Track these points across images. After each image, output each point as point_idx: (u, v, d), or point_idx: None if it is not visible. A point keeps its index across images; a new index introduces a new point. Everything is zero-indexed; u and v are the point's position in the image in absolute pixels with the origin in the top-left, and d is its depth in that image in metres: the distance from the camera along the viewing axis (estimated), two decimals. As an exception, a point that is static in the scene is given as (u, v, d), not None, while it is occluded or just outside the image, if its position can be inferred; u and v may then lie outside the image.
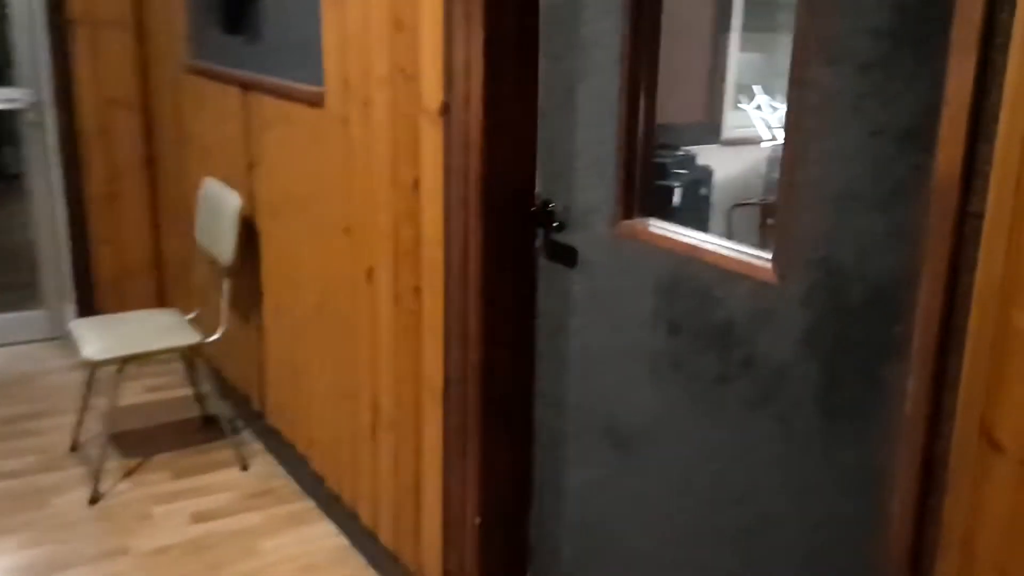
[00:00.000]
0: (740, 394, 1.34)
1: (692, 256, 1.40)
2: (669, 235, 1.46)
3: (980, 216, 0.88)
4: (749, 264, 1.31)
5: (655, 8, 1.47)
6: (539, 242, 1.74)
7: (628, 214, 1.54)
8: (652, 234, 1.49)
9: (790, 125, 1.20)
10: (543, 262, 1.75)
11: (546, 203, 1.71)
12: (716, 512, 1.41)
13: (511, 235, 1.76)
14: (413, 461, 2.05)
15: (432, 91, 1.74)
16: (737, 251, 1.34)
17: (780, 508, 1.29)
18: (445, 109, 1.72)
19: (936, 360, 0.94)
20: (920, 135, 1.03)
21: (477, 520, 1.88)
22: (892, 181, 1.07)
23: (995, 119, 0.85)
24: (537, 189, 1.73)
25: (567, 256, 1.68)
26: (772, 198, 4.08)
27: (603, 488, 1.67)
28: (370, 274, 2.11)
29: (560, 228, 1.68)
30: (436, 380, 1.91)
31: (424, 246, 1.87)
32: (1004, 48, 0.84)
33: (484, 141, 1.67)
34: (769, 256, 1.28)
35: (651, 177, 1.56)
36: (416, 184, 1.86)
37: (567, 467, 1.76)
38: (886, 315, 1.10)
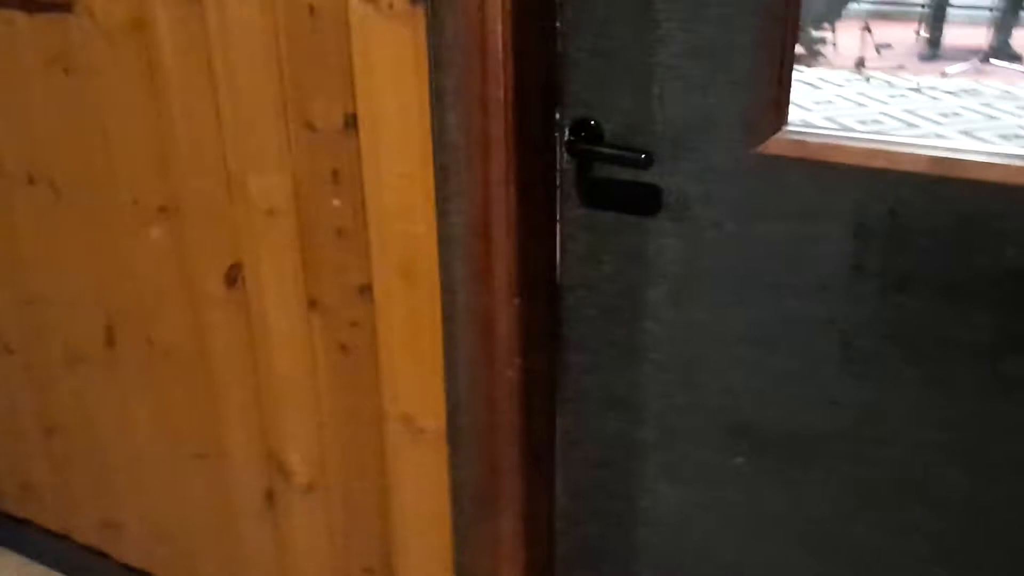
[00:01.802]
0: (1044, 362, 0.93)
1: (940, 175, 0.93)
2: (881, 147, 0.96)
3: None
4: (1083, 175, 0.87)
5: None
6: (566, 182, 1.13)
7: (779, 121, 1.01)
8: (843, 148, 0.98)
9: None
10: (579, 212, 1.15)
11: (584, 123, 1.10)
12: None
13: (543, 182, 1.13)
14: (373, 532, 1.38)
15: (384, -41, 1.01)
16: (1051, 158, 0.89)
17: None
18: (425, -10, 1.00)
19: None
20: None
21: (522, 593, 1.31)
22: None
23: None
24: (564, 104, 1.10)
25: (638, 200, 1.11)
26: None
27: (727, 515, 1.19)
28: (233, 277, 1.32)
29: (612, 159, 1.09)
30: (422, 414, 1.25)
31: (379, 221, 1.16)
32: None
33: (514, 39, 1.00)
34: None
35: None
36: (351, 123, 1.12)
37: (657, 487, 1.25)
38: None
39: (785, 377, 1.10)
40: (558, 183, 1.14)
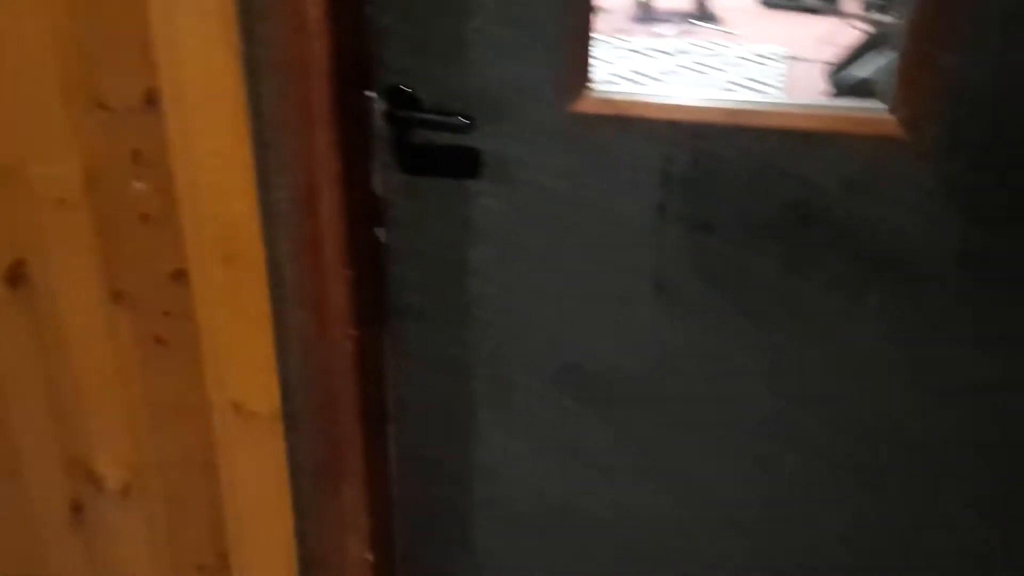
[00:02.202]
0: (830, 280, 1.08)
1: (735, 124, 1.05)
2: (681, 102, 1.06)
3: None
4: (849, 119, 1.02)
5: None
6: (384, 150, 1.14)
7: (583, 81, 1.08)
8: (646, 104, 1.07)
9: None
10: (400, 179, 1.17)
11: (399, 91, 1.11)
12: (794, 446, 1.17)
13: (363, 152, 1.12)
14: (205, 528, 1.33)
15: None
16: (822, 105, 1.03)
17: (920, 410, 1.12)
18: (236, -47, 0.95)
19: None
20: None
21: (369, 557, 1.32)
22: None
23: None
24: (377, 71, 1.11)
25: (458, 164, 1.14)
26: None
27: (569, 461, 1.28)
28: (15, 276, 1.20)
29: (432, 125, 1.12)
30: (253, 398, 1.21)
31: (193, 203, 1.10)
32: None
33: (331, 5, 0.98)
34: (884, 106, 1.01)
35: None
36: (153, 99, 1.05)
37: (492, 441, 1.31)
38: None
39: (607, 322, 1.19)
40: (376, 152, 1.14)
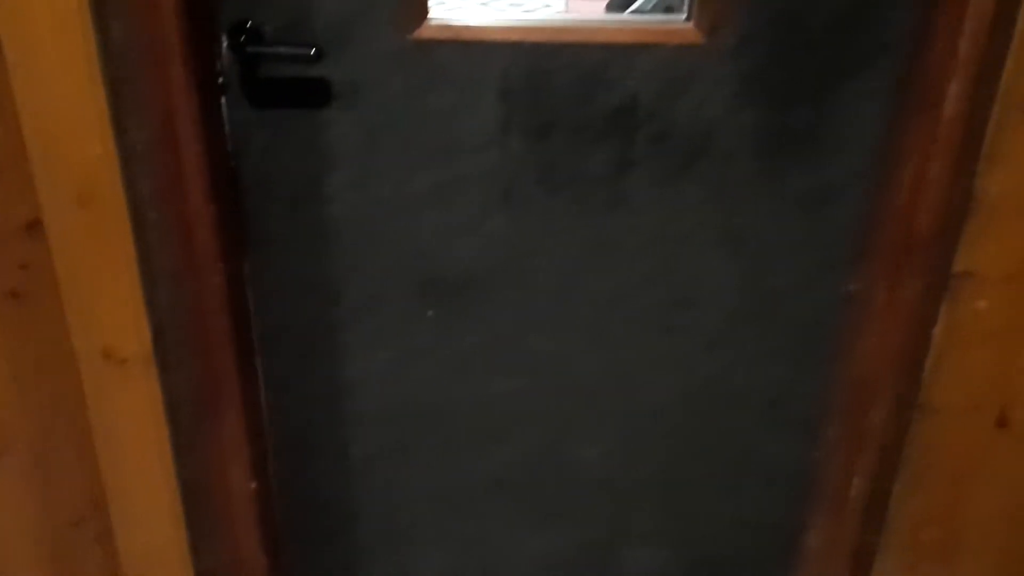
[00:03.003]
0: (651, 172, 1.25)
1: (562, 41, 1.17)
2: (515, 23, 1.17)
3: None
4: (657, 31, 1.16)
5: None
6: (232, 85, 1.18)
7: (423, 9, 1.16)
8: (482, 28, 1.17)
9: None
10: (250, 113, 1.21)
11: (242, 25, 1.15)
12: (641, 318, 1.34)
13: (213, 87, 1.15)
14: (78, 480, 1.33)
15: None
16: (635, 21, 1.17)
17: (729, 268, 1.31)
18: None
19: (981, 47, 1.06)
20: None
21: (252, 485, 1.38)
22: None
23: None
24: (220, 6, 1.13)
25: (308, 95, 1.20)
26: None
27: (438, 357, 1.39)
28: None
29: (280, 58, 1.17)
30: (123, 344, 1.22)
31: (44, 148, 1.08)
32: None
33: (175, -61, 1.00)
34: (682, 16, 1.16)
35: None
36: (-10, 45, 1.02)
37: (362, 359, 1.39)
38: (847, 37, 1.15)
39: (461, 230, 1.29)
40: (226, 87, 1.17)
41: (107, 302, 1.19)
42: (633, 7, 4.09)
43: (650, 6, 4.06)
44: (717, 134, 1.21)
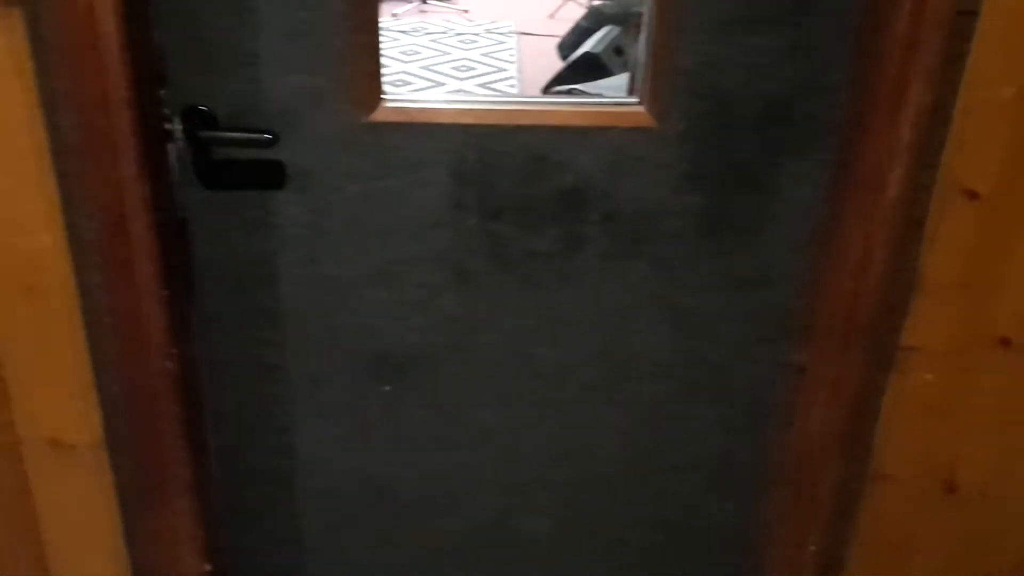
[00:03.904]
0: (600, 250, 1.26)
1: (514, 124, 1.18)
2: (468, 107, 1.18)
3: (974, 13, 1.03)
4: (608, 114, 1.19)
5: None
6: (184, 169, 1.17)
7: (377, 93, 1.17)
8: (436, 111, 1.18)
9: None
10: (202, 196, 1.20)
11: (194, 110, 1.15)
12: (588, 388, 1.35)
13: (164, 172, 1.15)
14: (27, 568, 1.29)
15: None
16: (587, 103, 1.19)
17: (671, 342, 1.32)
18: (21, -10, 0.94)
19: (925, 127, 1.09)
20: (826, -53, 1.08)
21: (206, 567, 1.36)
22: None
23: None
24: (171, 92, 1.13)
25: (261, 177, 1.20)
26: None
27: (391, 431, 1.38)
28: None
29: (233, 143, 1.17)
30: (71, 431, 1.20)
31: (16, 239, 1.07)
32: None
33: (125, 34, 1.00)
34: (634, 100, 1.18)
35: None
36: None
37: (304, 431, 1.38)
38: (787, 124, 1.18)
39: (413, 307, 1.29)
40: (178, 171, 1.16)
41: (55, 391, 1.17)
42: (584, 48, 4.16)
43: (600, 48, 4.14)
44: (664, 214, 1.23)
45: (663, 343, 1.33)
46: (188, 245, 1.21)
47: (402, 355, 1.33)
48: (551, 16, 5.91)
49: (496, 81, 4.80)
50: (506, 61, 5.16)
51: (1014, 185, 1.11)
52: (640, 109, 1.17)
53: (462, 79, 4.79)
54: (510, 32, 5.71)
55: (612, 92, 3.24)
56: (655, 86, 1.16)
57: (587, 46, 4.08)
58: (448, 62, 5.09)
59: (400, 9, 5.98)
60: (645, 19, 1.15)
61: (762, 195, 1.22)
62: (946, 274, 1.17)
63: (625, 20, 4.23)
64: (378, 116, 1.17)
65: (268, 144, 1.14)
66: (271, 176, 1.19)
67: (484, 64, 5.06)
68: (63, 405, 1.17)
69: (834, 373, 1.26)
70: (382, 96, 1.17)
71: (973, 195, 1.11)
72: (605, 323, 1.31)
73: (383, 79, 1.15)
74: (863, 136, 1.13)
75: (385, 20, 5.71)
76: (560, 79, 3.72)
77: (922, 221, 1.14)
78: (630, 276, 1.28)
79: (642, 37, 1.18)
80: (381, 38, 1.11)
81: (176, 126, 1.13)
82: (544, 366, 1.34)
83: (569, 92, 3.35)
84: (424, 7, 6.14)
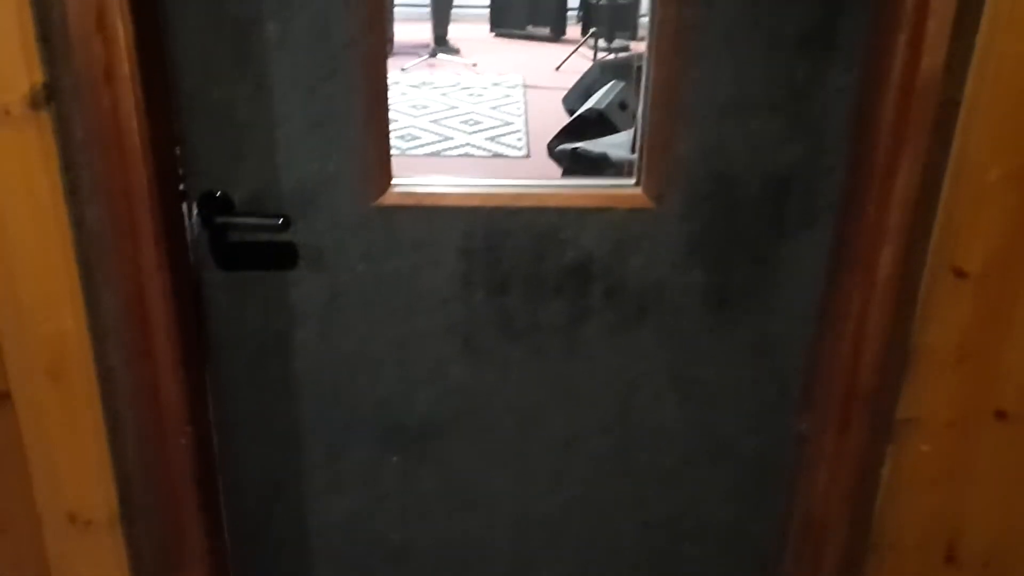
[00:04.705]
0: (606, 323, 1.30)
1: (519, 206, 1.23)
2: (473, 190, 1.23)
3: (958, 103, 1.07)
4: (608, 195, 1.23)
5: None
6: (201, 250, 1.22)
7: (387, 178, 1.22)
8: (443, 195, 1.23)
9: (662, 40, 1.14)
10: (218, 276, 1.25)
11: (212, 195, 1.20)
12: (603, 454, 1.38)
13: (183, 256, 1.19)
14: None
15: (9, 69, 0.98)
16: (587, 185, 1.24)
17: (681, 413, 1.35)
18: (48, 96, 1.00)
19: (914, 209, 1.13)
20: (818, 39, 1.13)
21: (219, 639, 1.38)
22: (789, 84, 1.16)
23: (972, 25, 1.04)
24: (190, 178, 1.18)
25: (275, 258, 1.24)
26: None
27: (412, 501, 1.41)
28: None
29: (249, 228, 1.22)
30: (88, 507, 1.23)
31: (16, 324, 1.11)
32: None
33: (148, 129, 1.05)
34: (632, 181, 1.23)
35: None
36: (-36, 231, 1.06)
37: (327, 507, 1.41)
38: (783, 203, 1.22)
39: (423, 380, 1.33)
40: (197, 253, 1.21)
41: (73, 467, 1.20)
42: (589, 103, 4.23)
43: (605, 103, 4.21)
44: (666, 289, 1.27)
45: (669, 413, 1.36)
46: (205, 323, 1.25)
47: (414, 426, 1.36)
48: (557, 69, 6.03)
49: (503, 135, 4.89)
50: (513, 114, 5.25)
51: (1004, 265, 1.14)
52: (638, 191, 1.22)
53: (470, 133, 4.88)
54: (517, 85, 5.82)
55: (616, 149, 3.30)
56: (652, 170, 1.20)
57: (592, 101, 4.15)
58: (456, 116, 5.18)
59: (409, 63, 6.09)
60: (640, 105, 1.19)
61: (763, 269, 1.26)
62: (941, 348, 1.20)
63: (630, 75, 4.31)
64: (388, 200, 1.21)
65: (281, 228, 1.19)
66: (285, 257, 1.24)
67: (491, 118, 5.15)
68: (81, 482, 1.20)
69: (835, 443, 1.29)
70: (392, 182, 1.21)
71: (962, 274, 1.15)
72: (612, 393, 1.34)
73: (392, 133, 1.19)
74: (857, 216, 1.17)
75: (394, 74, 5.82)
76: (565, 135, 3.79)
77: (915, 298, 1.17)
78: (636, 348, 1.31)
79: (639, 118, 1.22)
80: (390, 92, 1.15)
81: (194, 211, 1.18)
82: (552, 436, 1.37)
83: (573, 152, 3.41)
84: (433, 61, 6.26)
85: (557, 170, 3.70)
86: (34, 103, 0.99)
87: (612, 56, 6.03)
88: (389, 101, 1.17)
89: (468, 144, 4.72)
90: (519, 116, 5.21)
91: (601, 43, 6.25)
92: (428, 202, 1.22)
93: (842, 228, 1.20)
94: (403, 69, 6.00)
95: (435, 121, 5.06)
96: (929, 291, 1.17)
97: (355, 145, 1.18)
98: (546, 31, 6.98)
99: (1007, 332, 1.18)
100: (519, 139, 4.86)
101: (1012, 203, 1.11)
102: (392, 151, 1.20)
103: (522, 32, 7.02)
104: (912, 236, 1.14)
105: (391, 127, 1.18)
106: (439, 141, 4.72)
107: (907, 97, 1.07)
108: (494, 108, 5.38)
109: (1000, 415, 1.22)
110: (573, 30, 6.98)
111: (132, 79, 1.00)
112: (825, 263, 1.24)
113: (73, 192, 1.05)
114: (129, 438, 1.19)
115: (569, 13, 7.07)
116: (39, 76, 0.98)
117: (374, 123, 1.17)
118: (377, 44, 1.15)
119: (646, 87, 1.17)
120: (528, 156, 4.59)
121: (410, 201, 1.22)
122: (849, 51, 1.13)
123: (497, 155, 4.61)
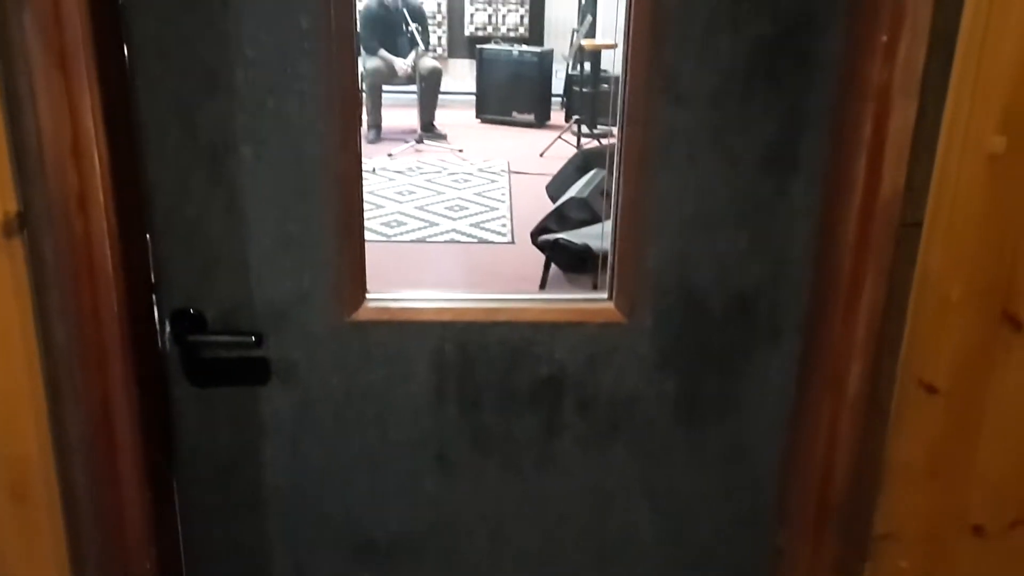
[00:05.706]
0: (578, 437, 1.29)
1: (492, 321, 1.24)
2: (447, 304, 1.24)
3: (919, 224, 1.10)
4: (580, 310, 1.24)
5: None
6: (173, 367, 1.21)
7: (361, 293, 1.23)
8: (418, 310, 1.24)
9: (628, 159, 1.16)
10: (190, 391, 1.24)
11: (184, 312, 1.20)
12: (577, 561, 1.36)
13: (154, 375, 1.19)
14: None
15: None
16: (560, 299, 1.25)
17: (653, 523, 1.34)
18: (21, 223, 1.00)
19: (880, 326, 1.14)
20: (780, 159, 1.16)
21: None
22: (753, 202, 1.18)
23: (930, 149, 1.07)
24: (161, 297, 1.18)
25: (247, 374, 1.24)
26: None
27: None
28: None
29: (221, 346, 1.21)
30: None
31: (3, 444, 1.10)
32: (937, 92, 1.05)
33: (120, 253, 1.06)
34: (604, 296, 1.24)
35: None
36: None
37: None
38: (751, 317, 1.23)
39: (395, 493, 1.31)
40: (167, 370, 1.21)
41: (35, 589, 1.17)
42: (571, 192, 4.29)
43: (587, 192, 4.27)
44: (638, 401, 1.27)
45: (643, 525, 1.34)
46: (174, 440, 1.23)
47: (385, 541, 1.34)
48: (542, 155, 6.14)
49: (488, 220, 4.94)
50: (498, 200, 5.32)
51: (970, 381, 1.15)
52: (609, 305, 1.23)
53: (455, 219, 4.92)
54: (502, 171, 5.90)
55: (597, 240, 3.33)
56: (623, 284, 1.21)
57: (574, 190, 4.21)
58: (442, 202, 5.24)
59: (396, 149, 6.19)
60: (609, 223, 1.21)
61: (733, 381, 1.26)
62: (915, 463, 1.20)
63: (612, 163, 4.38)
64: (361, 315, 1.22)
65: (253, 346, 1.19)
66: (257, 373, 1.23)
67: (476, 203, 5.21)
68: (43, 604, 1.17)
69: (811, 558, 1.27)
70: (366, 296, 1.22)
71: (932, 389, 1.15)
72: (586, 506, 1.33)
73: (377, 220, 1.20)
74: (824, 332, 1.18)
75: (381, 159, 5.91)
76: (548, 224, 3.83)
77: (886, 412, 1.18)
78: (608, 459, 1.30)
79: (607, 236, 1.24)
80: (377, 178, 1.16)
81: (167, 328, 1.18)
82: (526, 548, 1.35)
83: (555, 242, 3.44)
84: (419, 147, 6.36)
85: (540, 257, 3.74)
86: (7, 231, 1.00)
87: (596, 144, 6.14)
88: (369, 197, 1.19)
89: (453, 230, 4.77)
90: (503, 202, 5.28)
91: (584, 129, 6.37)
92: (402, 316, 1.23)
93: (810, 343, 1.21)
94: (390, 155, 6.09)
95: (421, 207, 5.11)
96: (900, 406, 1.17)
97: (329, 261, 1.19)
98: (530, 117, 7.13)
99: (978, 449, 1.18)
100: (503, 225, 4.91)
101: (973, 321, 1.12)
102: (377, 238, 1.21)
103: (507, 118, 7.17)
104: (880, 352, 1.15)
105: (377, 213, 1.20)
106: (424, 227, 4.76)
107: (869, 218, 1.09)
108: (479, 194, 5.45)
109: (977, 530, 1.21)
110: (557, 116, 7.14)
111: (106, 206, 1.01)
112: (796, 374, 1.25)
113: (43, 314, 1.05)
114: (90, 561, 1.16)
115: (553, 100, 7.23)
116: (13, 205, 0.99)
117: (348, 239, 1.19)
118: (351, 162, 1.17)
119: (615, 203, 1.19)
120: (512, 243, 4.63)
121: (384, 316, 1.23)
122: (811, 171, 1.16)
123: (482, 241, 4.65)
